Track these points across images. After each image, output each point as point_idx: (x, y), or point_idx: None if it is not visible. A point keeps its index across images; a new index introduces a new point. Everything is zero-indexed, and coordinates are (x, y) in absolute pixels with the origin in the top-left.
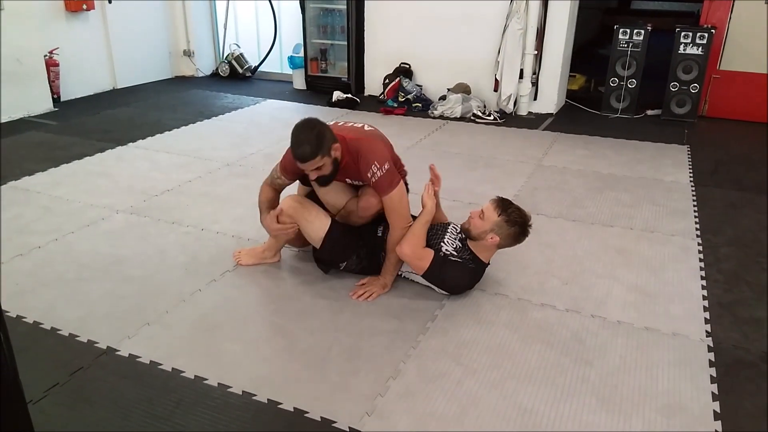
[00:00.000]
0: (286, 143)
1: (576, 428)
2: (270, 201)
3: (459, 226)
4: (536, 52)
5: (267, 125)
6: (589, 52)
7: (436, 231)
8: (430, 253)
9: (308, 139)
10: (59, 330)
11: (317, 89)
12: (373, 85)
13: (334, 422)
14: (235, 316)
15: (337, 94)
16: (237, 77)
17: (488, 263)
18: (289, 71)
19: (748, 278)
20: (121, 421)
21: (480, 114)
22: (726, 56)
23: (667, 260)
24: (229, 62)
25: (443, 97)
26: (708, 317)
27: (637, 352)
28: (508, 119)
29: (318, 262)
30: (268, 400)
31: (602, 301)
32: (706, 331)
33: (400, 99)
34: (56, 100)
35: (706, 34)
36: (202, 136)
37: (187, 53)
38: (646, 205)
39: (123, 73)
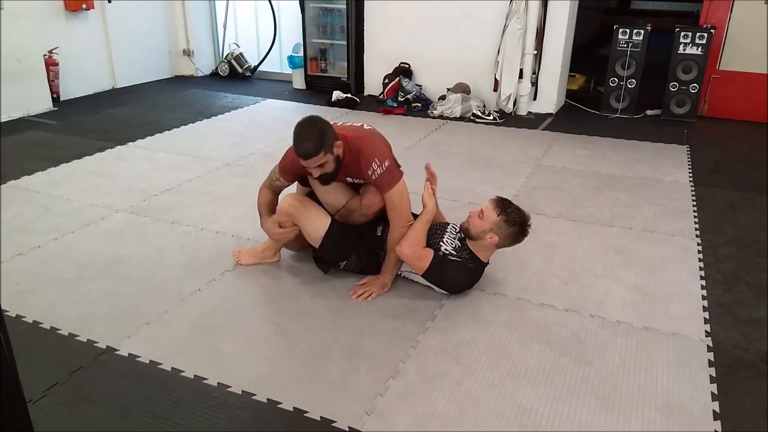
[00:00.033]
0: (286, 143)
1: (575, 428)
2: (269, 203)
3: (458, 226)
4: (536, 52)
5: (266, 125)
6: (589, 52)
7: (435, 231)
8: (429, 253)
9: (311, 135)
10: (59, 329)
11: (317, 89)
12: (373, 84)
13: (334, 422)
14: (235, 316)
15: (336, 94)
16: (236, 77)
17: (487, 263)
18: (289, 71)
19: (747, 278)
20: (120, 421)
21: (479, 114)
22: (725, 56)
23: (667, 260)
24: (229, 62)
25: (443, 97)
26: (707, 317)
27: (636, 352)
28: (508, 119)
29: (317, 261)
30: (267, 399)
31: (602, 300)
32: (706, 331)
33: (400, 99)
34: (56, 100)
35: (705, 34)
36: (202, 136)
37: (187, 53)
38: (645, 205)
39: (122, 72)
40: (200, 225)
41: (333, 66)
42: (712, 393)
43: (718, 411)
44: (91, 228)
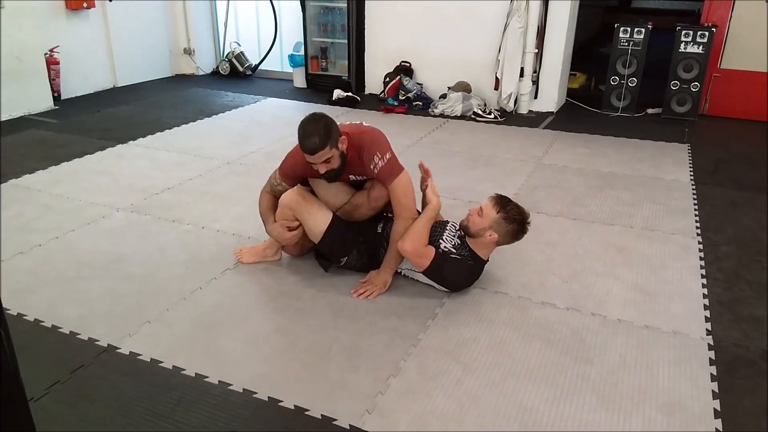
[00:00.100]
0: (287, 141)
1: (576, 427)
2: (272, 208)
3: (458, 223)
4: (537, 51)
5: (267, 123)
6: (590, 51)
7: (434, 228)
8: (431, 251)
9: (317, 130)
10: (60, 328)
11: (318, 87)
12: (374, 83)
13: (335, 420)
14: (236, 314)
15: (337, 93)
16: (237, 75)
17: (487, 260)
18: (290, 69)
19: (748, 277)
20: (121, 419)
21: (480, 112)
22: (727, 55)
23: (668, 259)
24: (230, 60)
25: (444, 96)
26: (708, 315)
27: (637, 351)
28: (509, 118)
29: (318, 257)
30: (268, 397)
31: (602, 299)
32: (707, 330)
33: (401, 97)
34: (57, 98)
35: (706, 33)
36: (203, 135)
37: (188, 51)
38: (646, 204)
39: (123, 71)
40: (201, 223)
41: (334, 64)
42: (712, 391)
43: (718, 409)
44: (92, 226)
